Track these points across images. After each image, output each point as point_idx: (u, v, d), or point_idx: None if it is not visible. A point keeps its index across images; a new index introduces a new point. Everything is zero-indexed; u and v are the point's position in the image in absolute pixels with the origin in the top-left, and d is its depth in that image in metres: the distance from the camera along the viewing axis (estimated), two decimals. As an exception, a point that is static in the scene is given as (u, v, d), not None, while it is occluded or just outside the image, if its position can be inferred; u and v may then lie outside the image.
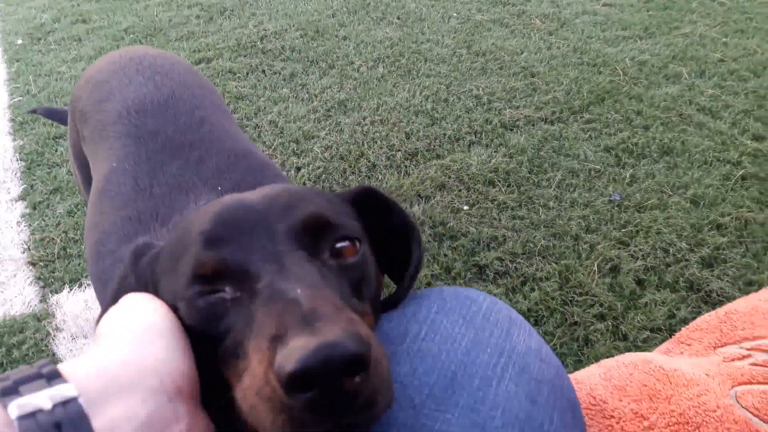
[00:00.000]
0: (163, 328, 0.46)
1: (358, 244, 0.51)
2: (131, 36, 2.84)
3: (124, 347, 0.43)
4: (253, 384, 0.41)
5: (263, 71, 2.56)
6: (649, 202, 1.84)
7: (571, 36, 2.83)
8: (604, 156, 2.05)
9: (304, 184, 1.93)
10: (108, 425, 0.37)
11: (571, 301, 1.55)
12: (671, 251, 1.67)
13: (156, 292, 0.53)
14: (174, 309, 0.50)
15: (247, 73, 2.54)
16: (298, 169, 2.00)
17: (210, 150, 0.93)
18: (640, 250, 1.68)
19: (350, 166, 2.01)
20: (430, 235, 1.75)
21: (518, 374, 0.47)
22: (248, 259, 0.48)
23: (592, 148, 2.09)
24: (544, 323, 1.50)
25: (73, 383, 0.38)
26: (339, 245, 0.51)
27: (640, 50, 2.68)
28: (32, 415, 0.35)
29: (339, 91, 2.42)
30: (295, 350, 0.38)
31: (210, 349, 0.47)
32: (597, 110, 2.28)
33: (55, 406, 0.36)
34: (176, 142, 0.94)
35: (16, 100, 2.40)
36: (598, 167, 2.00)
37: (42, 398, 0.36)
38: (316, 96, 2.39)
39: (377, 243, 0.58)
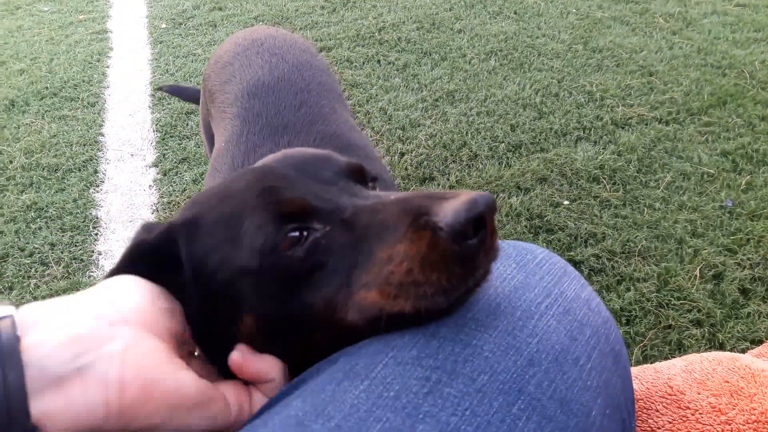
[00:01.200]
0: (137, 291, 0.49)
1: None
2: (261, 23, 3.04)
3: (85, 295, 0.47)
4: (408, 262, 0.46)
5: (378, 61, 2.66)
6: (765, 210, 1.74)
7: (697, 36, 2.70)
8: (720, 160, 1.96)
9: (406, 169, 2.00)
10: (36, 341, 0.41)
11: (667, 304, 1.51)
12: (785, 263, 1.58)
13: (181, 265, 0.55)
14: (229, 277, 0.52)
15: (363, 63, 2.65)
16: (402, 155, 2.08)
17: (300, 133, 0.99)
18: (748, 259, 1.60)
19: (452, 155, 2.06)
20: (526, 227, 1.76)
21: (561, 314, 0.50)
22: (328, 196, 0.53)
23: (707, 151, 2.00)
24: (637, 324, 1.48)
25: (15, 309, 0.42)
26: (371, 184, 0.60)
27: (774, 53, 2.51)
28: None
29: (449, 82, 2.47)
30: (459, 204, 0.45)
31: (294, 292, 0.50)
32: (717, 113, 2.17)
33: None
34: (273, 124, 1.01)
35: (157, 77, 2.66)
36: (712, 171, 1.91)
37: None
38: (425, 86, 2.46)
39: None
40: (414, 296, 0.47)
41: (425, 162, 2.04)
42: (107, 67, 2.78)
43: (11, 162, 2.16)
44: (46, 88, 2.61)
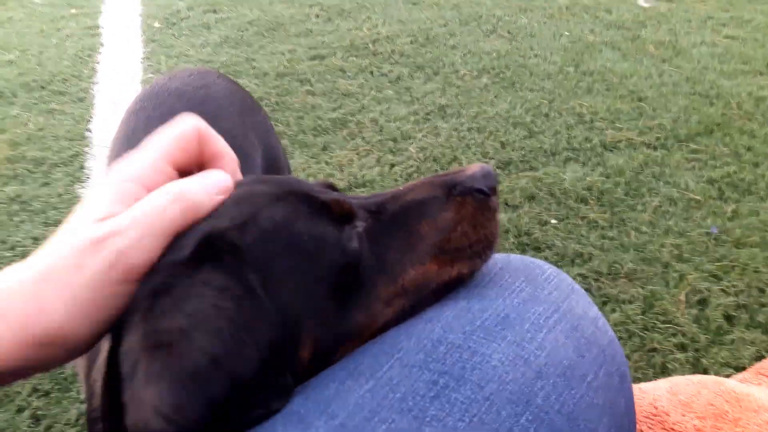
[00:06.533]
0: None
1: None
2: (255, 28, 3.03)
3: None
4: (462, 225, 0.52)
5: (371, 72, 2.66)
6: (750, 239, 1.76)
7: (686, 65, 2.74)
8: (707, 188, 1.98)
9: (396, 180, 2.00)
10: None
11: (652, 327, 1.52)
12: (768, 291, 1.60)
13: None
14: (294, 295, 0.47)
15: (357, 73, 2.65)
16: (392, 166, 2.07)
17: None
18: (733, 286, 1.62)
19: (441, 168, 2.06)
20: (514, 243, 1.76)
21: (569, 330, 0.50)
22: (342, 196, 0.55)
23: (694, 178, 2.02)
24: (622, 345, 1.47)
25: None
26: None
27: (759, 86, 2.56)
28: None
29: (441, 96, 2.48)
30: (479, 170, 0.54)
31: (349, 295, 0.49)
32: (704, 141, 2.20)
33: None
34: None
35: (148, 76, 2.63)
36: (699, 198, 1.93)
37: None
38: (418, 99, 2.46)
39: None
40: (469, 257, 0.52)
41: (415, 174, 2.04)
42: (97, 62, 2.75)
43: (-7, 153, 2.11)
44: (35, 80, 2.57)
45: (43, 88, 2.52)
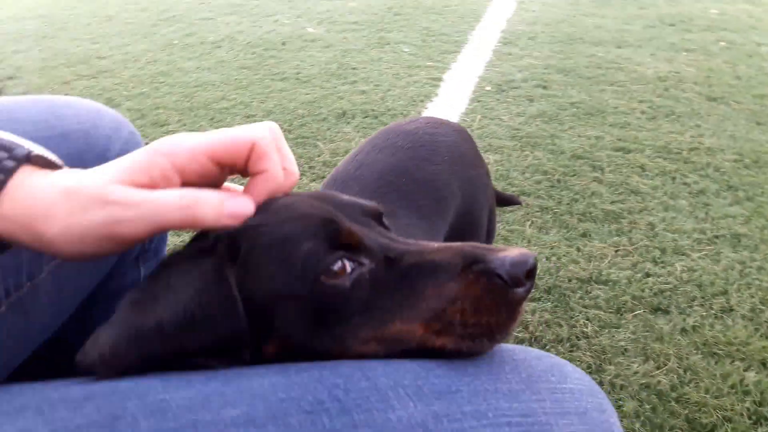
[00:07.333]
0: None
1: None
2: (574, 109, 3.10)
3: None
4: (462, 302, 0.51)
5: (673, 178, 2.49)
6: None
7: None
8: None
9: (642, 291, 1.84)
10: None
11: None
12: None
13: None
14: (270, 298, 0.52)
15: (656, 174, 2.51)
16: (647, 275, 1.91)
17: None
18: None
19: (703, 296, 1.82)
20: None
21: None
22: (372, 235, 0.56)
23: None
24: None
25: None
26: (385, 221, 0.64)
27: None
28: None
29: (743, 224, 2.19)
30: (515, 255, 0.51)
31: (327, 322, 0.52)
32: None
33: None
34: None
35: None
36: None
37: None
38: (712, 219, 2.21)
39: None
40: (460, 335, 0.50)
41: (668, 292, 1.85)
42: (426, 108, 3.15)
43: (319, 156, 2.62)
44: (373, 110, 3.08)
45: (375, 117, 3.00)
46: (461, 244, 0.55)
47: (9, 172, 0.51)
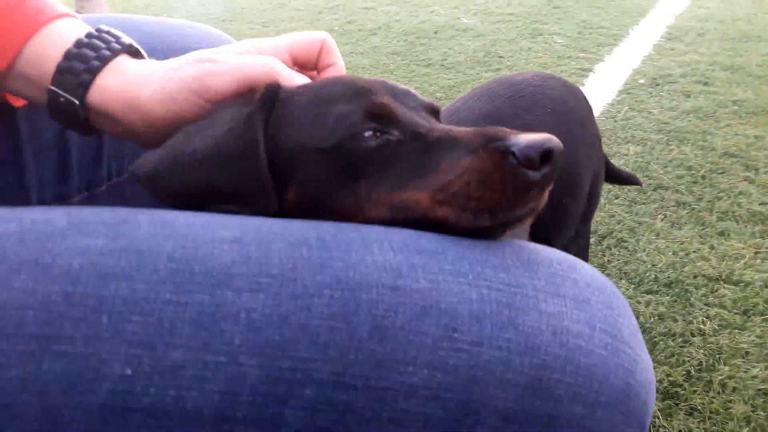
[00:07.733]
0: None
1: None
2: (738, 107, 2.83)
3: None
4: (468, 175, 0.50)
5: None
6: None
7: None
8: None
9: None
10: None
11: None
12: None
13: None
14: (298, 149, 0.55)
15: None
16: None
17: None
18: None
19: None
20: None
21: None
22: (410, 113, 0.58)
23: None
24: None
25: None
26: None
27: None
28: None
29: None
30: (535, 138, 0.49)
31: (348, 180, 0.54)
32: None
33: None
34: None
35: (599, 119, 2.80)
36: None
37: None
38: None
39: None
40: (461, 208, 0.50)
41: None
42: (568, 97, 3.04)
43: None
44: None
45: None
46: (490, 127, 0.54)
47: (115, 52, 0.61)
